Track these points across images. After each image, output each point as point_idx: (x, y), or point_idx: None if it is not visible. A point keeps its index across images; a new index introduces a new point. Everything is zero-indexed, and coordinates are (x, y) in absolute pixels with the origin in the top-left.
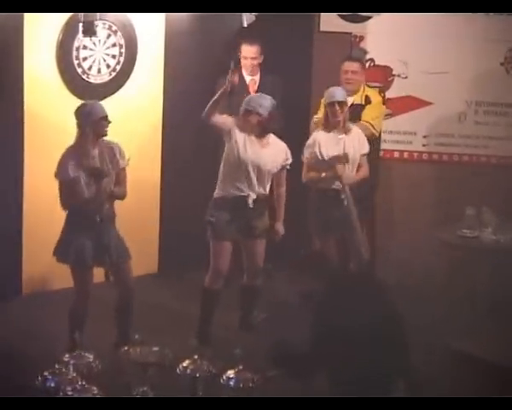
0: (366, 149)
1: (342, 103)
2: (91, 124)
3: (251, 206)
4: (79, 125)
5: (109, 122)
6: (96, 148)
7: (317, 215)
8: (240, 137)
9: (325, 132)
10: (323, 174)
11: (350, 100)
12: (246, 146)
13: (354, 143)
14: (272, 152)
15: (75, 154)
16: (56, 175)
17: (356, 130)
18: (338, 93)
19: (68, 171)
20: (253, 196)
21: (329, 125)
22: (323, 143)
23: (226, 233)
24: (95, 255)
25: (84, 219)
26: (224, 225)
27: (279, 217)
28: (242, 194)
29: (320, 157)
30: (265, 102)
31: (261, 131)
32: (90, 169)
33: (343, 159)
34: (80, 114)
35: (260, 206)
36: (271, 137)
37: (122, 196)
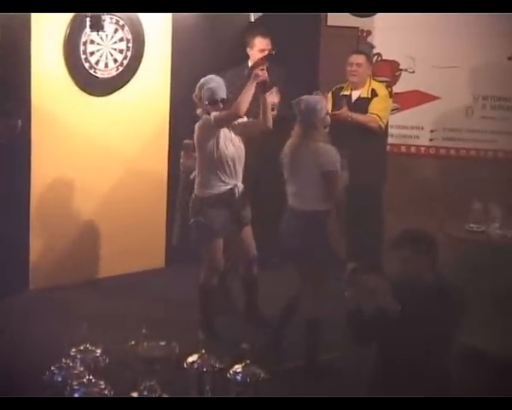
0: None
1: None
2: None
3: (237, 196)
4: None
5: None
6: None
7: None
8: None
9: None
10: None
11: (356, 93)
12: (226, 140)
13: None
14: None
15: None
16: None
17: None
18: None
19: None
20: (239, 185)
21: None
22: None
23: (219, 230)
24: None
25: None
26: (216, 222)
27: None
28: (229, 187)
29: None
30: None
31: None
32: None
33: None
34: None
35: (244, 194)
36: None
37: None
